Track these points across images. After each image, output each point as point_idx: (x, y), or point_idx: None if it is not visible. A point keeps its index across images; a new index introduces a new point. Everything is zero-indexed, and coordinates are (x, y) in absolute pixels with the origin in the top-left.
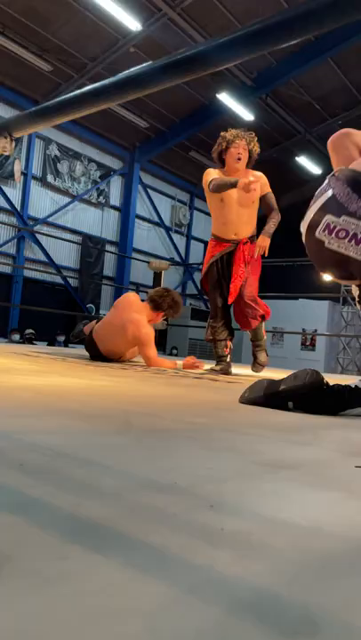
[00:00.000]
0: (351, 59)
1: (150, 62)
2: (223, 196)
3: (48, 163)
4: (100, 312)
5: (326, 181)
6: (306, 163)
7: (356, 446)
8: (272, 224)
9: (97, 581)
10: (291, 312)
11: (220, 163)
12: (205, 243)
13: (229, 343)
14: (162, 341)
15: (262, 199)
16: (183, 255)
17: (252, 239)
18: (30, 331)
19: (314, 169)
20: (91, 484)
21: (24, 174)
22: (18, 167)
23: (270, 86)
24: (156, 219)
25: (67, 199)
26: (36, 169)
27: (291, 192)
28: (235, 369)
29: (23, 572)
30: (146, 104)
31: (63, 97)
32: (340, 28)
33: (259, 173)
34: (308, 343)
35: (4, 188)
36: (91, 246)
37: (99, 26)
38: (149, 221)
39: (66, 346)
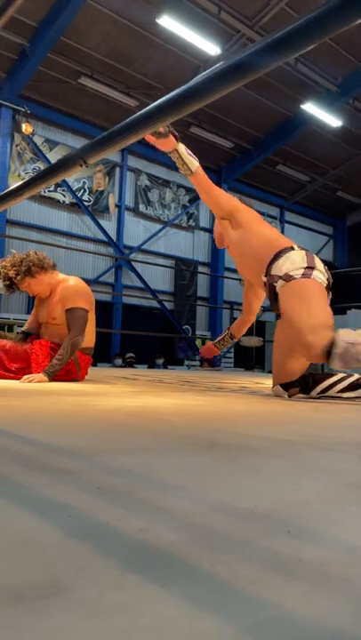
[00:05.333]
0: None
1: (203, 73)
2: None
3: (139, 193)
4: (196, 332)
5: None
6: None
7: None
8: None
9: (149, 615)
10: None
11: None
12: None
13: None
14: (260, 359)
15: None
16: None
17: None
18: (131, 355)
19: None
20: (162, 507)
21: (117, 206)
22: (112, 201)
23: (357, 90)
24: None
25: (158, 226)
26: (128, 200)
27: None
28: None
29: (77, 602)
30: (229, 124)
31: (128, 119)
32: None
33: None
34: None
35: (101, 221)
36: (184, 269)
37: (179, 56)
38: None
39: (165, 367)
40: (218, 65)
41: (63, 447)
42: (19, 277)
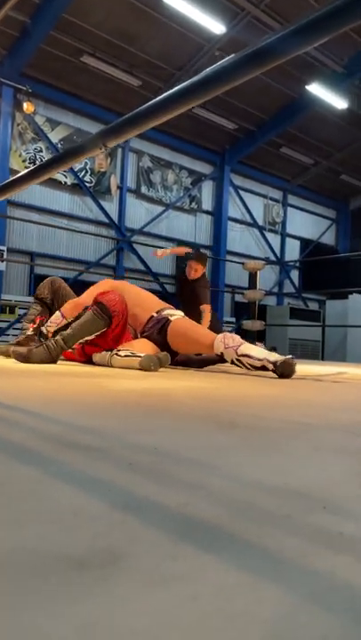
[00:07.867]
0: None
1: (230, 56)
2: None
3: (142, 174)
4: None
5: None
6: None
7: None
8: None
9: (211, 584)
10: None
11: None
12: (301, 239)
13: None
14: (261, 341)
15: None
16: (278, 254)
17: None
18: None
19: None
20: (198, 483)
21: (120, 188)
22: (114, 182)
23: None
24: (249, 219)
25: (160, 208)
26: (130, 182)
27: None
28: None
29: (136, 571)
30: (233, 106)
31: (151, 102)
32: None
33: None
34: None
35: (103, 202)
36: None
37: (184, 34)
38: (242, 222)
39: None
40: (242, 51)
41: (88, 426)
42: None
